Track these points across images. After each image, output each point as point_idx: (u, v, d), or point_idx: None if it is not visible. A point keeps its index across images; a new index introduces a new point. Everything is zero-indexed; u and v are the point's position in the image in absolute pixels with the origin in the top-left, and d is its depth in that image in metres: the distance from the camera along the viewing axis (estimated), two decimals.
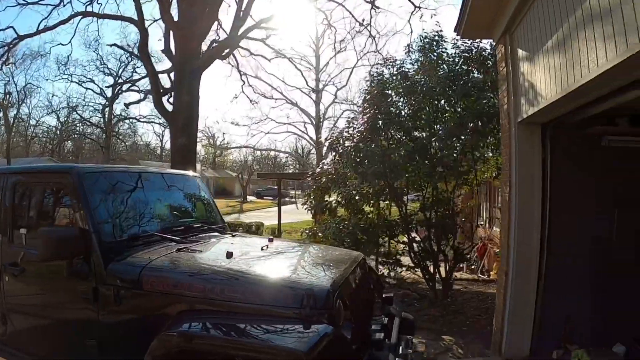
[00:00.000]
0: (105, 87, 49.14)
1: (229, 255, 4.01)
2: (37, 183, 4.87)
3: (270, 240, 5.03)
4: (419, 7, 18.54)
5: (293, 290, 3.42)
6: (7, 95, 48.03)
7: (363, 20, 21.83)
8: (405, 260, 10.09)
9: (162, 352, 3.27)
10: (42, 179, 4.90)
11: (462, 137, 9.20)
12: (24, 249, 4.45)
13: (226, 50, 17.82)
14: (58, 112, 54.91)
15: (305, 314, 3.25)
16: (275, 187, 25.65)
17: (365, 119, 9.61)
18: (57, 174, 4.71)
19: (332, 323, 3.26)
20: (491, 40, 7.36)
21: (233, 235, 5.43)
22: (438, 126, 9.39)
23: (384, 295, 4.80)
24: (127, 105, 44.89)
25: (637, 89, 3.57)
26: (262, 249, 4.58)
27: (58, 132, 57.84)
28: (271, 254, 4.56)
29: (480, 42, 9.55)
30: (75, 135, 57.44)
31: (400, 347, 4.22)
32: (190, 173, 6.13)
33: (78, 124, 55.48)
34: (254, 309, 3.35)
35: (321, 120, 45.54)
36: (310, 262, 4.72)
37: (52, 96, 68.50)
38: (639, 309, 5.62)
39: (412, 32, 20.07)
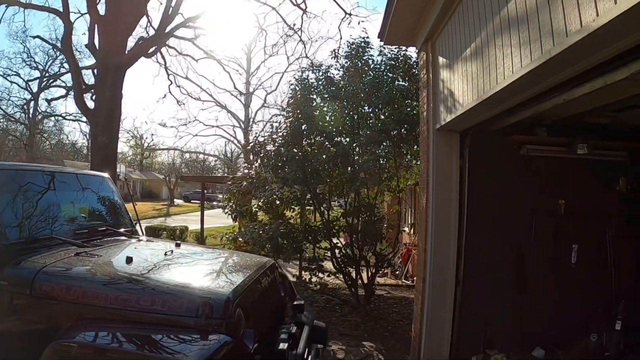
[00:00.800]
0: (29, 80, 46.42)
1: (129, 260, 3.85)
2: None
3: (177, 245, 4.89)
4: (350, 14, 18.69)
5: (190, 298, 3.28)
6: None
7: (294, 24, 21.85)
8: (329, 265, 10.02)
9: None
10: None
11: (385, 144, 9.23)
12: None
13: (152, 48, 17.45)
14: None
15: (202, 324, 3.12)
16: (205, 191, 25.20)
17: (288, 123, 9.50)
18: None
19: (230, 333, 3.14)
20: (415, 49, 7.34)
21: (139, 240, 5.23)
22: (361, 132, 9.36)
23: (294, 303, 4.67)
24: (48, 101, 42.74)
25: (554, 97, 3.58)
26: (165, 255, 4.40)
27: None
28: (174, 260, 4.39)
29: (407, 50, 9.64)
30: None
31: (310, 357, 4.12)
32: (101, 174, 5.87)
33: (1, 120, 51.94)
34: (151, 318, 3.19)
35: (250, 124, 45.24)
36: (214, 268, 4.58)
37: None
38: (557, 313, 5.75)
39: (341, 38, 20.15)
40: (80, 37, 42.76)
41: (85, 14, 19.43)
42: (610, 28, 2.20)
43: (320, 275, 9.77)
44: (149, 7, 17.97)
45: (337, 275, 9.88)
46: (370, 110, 9.86)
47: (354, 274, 9.69)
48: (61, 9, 15.70)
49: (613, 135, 5.65)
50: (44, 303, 3.42)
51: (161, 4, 18.01)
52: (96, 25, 15.16)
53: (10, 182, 4.21)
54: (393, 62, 9.78)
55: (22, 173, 4.50)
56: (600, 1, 2.21)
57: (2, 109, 48.51)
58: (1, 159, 45.73)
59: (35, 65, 45.94)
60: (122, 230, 5.32)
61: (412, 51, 9.47)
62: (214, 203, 44.92)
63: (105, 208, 5.56)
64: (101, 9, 15.58)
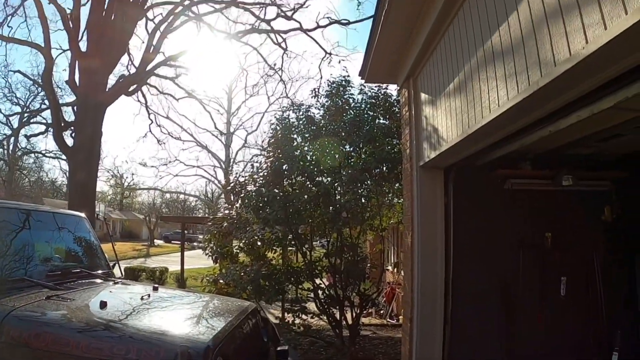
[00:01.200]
0: (10, 115, 45.97)
1: (103, 305, 3.66)
2: None
3: (155, 289, 4.74)
4: (330, 54, 18.97)
5: (167, 347, 3.10)
6: None
7: (274, 64, 22.12)
8: (312, 307, 9.84)
9: None
10: None
11: (367, 183, 9.19)
12: None
13: (133, 86, 17.50)
14: None
15: None
16: (185, 231, 24.92)
17: (269, 163, 9.45)
18: None
19: None
20: (396, 86, 7.35)
21: (115, 283, 5.04)
22: (343, 171, 9.31)
23: (278, 349, 4.51)
24: (28, 137, 42.24)
25: (540, 129, 3.55)
26: (142, 299, 4.25)
27: None
28: (152, 304, 4.22)
29: (387, 88, 9.70)
30: None
31: None
32: (77, 213, 5.71)
33: None
34: None
35: (231, 164, 45.21)
36: (193, 313, 4.42)
37: None
38: (548, 347, 5.66)
39: (322, 77, 20.41)
40: (61, 73, 42.18)
41: (66, 50, 19.45)
42: (601, 55, 2.16)
43: (304, 316, 9.58)
44: (131, 45, 18.20)
45: (320, 316, 9.71)
46: (351, 149, 9.85)
47: (338, 315, 9.53)
48: (43, 44, 15.74)
49: (597, 165, 5.68)
50: (12, 349, 3.22)
51: (143, 42, 18.23)
52: (77, 62, 15.19)
53: None
54: (374, 101, 9.83)
55: None
56: (590, 28, 2.18)
57: None
58: None
59: (16, 100, 45.16)
60: (98, 272, 5.14)
61: (392, 89, 9.56)
62: (195, 244, 44.62)
63: (80, 249, 5.41)
64: (83, 45, 15.65)
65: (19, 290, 3.81)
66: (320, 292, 9.52)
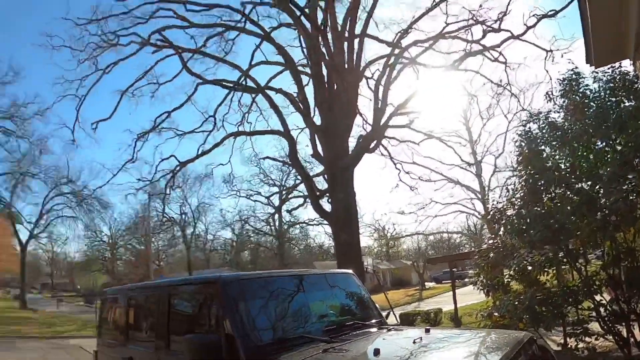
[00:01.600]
0: (269, 195, 53.13)
1: (376, 352, 3.90)
2: (190, 293, 5.34)
3: (427, 331, 4.78)
4: (550, 50, 17.92)
5: None
6: (183, 215, 56.89)
7: (500, 80, 21.43)
8: (596, 327, 8.85)
9: None
10: (194, 289, 5.31)
11: (630, 177, 8.12)
12: (180, 356, 4.71)
13: (373, 143, 18.20)
14: (232, 226, 61.08)
15: None
16: (453, 270, 24.66)
17: (523, 182, 8.96)
18: (206, 284, 4.95)
19: None
20: (629, 61, 6.48)
21: (388, 330, 5.24)
22: (601, 171, 8.38)
23: None
24: (289, 211, 47.38)
25: None
26: (414, 342, 4.29)
27: (234, 244, 64.02)
28: (424, 346, 4.24)
29: (620, 67, 8.60)
30: (251, 245, 62.66)
31: None
32: (345, 270, 6.23)
33: (252, 235, 60.51)
34: None
35: (486, 192, 44.00)
36: (466, 351, 4.32)
37: (224, 212, 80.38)
38: None
39: (550, 78, 19.01)
40: (305, 148, 46.39)
41: (303, 128, 21.24)
42: None
43: (587, 339, 8.63)
44: (360, 106, 19.08)
45: (605, 336, 8.67)
46: (603, 144, 8.88)
47: (624, 332, 8.44)
48: (281, 129, 17.36)
49: None
50: None
51: (370, 100, 18.91)
52: (316, 136, 16.43)
53: (260, 290, 4.79)
54: (612, 84, 8.76)
55: (271, 280, 5.04)
56: None
57: (250, 225, 57.74)
58: (256, 269, 52.18)
59: (272, 182, 53.68)
60: (371, 322, 5.45)
61: (626, 65, 8.44)
62: (466, 280, 44.08)
63: (352, 303, 5.87)
64: (317, 120, 16.96)
65: (299, 347, 4.27)
66: (601, 309, 8.55)
